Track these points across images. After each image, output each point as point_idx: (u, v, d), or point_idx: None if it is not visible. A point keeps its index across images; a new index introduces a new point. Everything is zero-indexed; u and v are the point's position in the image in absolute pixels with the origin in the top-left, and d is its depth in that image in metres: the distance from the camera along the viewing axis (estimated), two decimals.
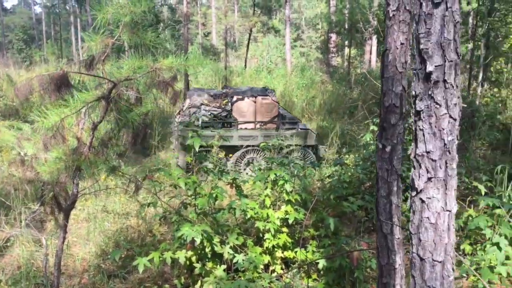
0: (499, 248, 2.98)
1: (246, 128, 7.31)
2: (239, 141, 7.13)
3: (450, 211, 1.32)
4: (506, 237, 3.15)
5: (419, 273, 1.34)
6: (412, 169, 1.35)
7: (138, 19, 3.57)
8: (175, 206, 4.61)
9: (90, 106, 3.45)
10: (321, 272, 3.96)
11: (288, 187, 4.25)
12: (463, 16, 13.20)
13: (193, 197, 4.05)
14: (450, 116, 1.27)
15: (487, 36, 11.17)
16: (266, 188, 4.37)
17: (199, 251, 3.87)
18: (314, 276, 4.09)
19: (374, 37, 17.01)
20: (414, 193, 1.35)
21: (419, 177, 1.32)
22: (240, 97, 7.33)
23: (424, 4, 1.24)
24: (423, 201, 1.33)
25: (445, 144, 1.27)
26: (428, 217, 1.32)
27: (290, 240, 4.20)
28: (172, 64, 3.62)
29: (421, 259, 1.33)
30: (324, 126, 10.62)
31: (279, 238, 4.18)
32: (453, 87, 1.26)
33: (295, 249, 4.23)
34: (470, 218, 4.03)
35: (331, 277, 3.78)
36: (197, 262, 3.85)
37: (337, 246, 4.11)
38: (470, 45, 12.13)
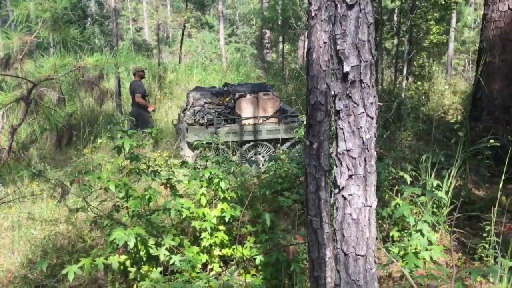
0: (422, 235, 3.17)
1: (249, 124, 7.44)
2: (244, 136, 7.34)
3: (370, 206, 1.37)
4: (428, 224, 3.35)
5: (344, 268, 1.39)
6: (334, 167, 1.39)
7: (60, 15, 3.38)
8: (108, 209, 4.44)
9: (8, 108, 3.22)
10: (259, 268, 3.99)
11: (223, 185, 4.23)
12: (388, 13, 13.83)
13: (125, 199, 3.92)
14: (368, 115, 1.31)
15: (410, 32, 11.79)
16: (201, 187, 4.32)
17: (133, 255, 3.75)
18: (252, 272, 4.12)
19: (306, 33, 17.42)
20: (336, 191, 1.39)
21: (341, 174, 1.36)
22: (242, 93, 7.47)
23: (339, 6, 1.27)
24: (345, 198, 1.37)
25: (363, 142, 1.31)
26: (350, 213, 1.37)
27: (227, 238, 4.19)
28: (98, 62, 3.45)
29: (345, 254, 1.38)
30: None
31: (216, 237, 4.16)
32: (369, 86, 1.30)
33: (233, 247, 4.23)
34: (398, 206, 4.25)
35: (269, 271, 3.82)
36: (132, 266, 3.73)
37: (274, 240, 4.17)
38: (395, 41, 12.78)
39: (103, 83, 3.67)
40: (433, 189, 4.59)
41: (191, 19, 24.90)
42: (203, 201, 4.25)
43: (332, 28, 1.30)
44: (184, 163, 4.75)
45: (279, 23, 17.28)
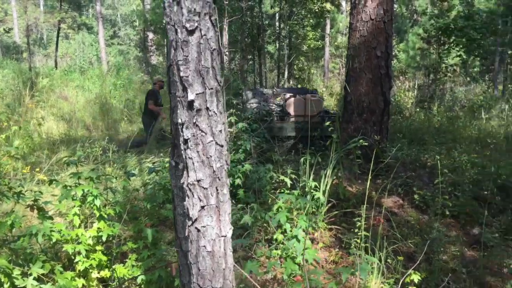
0: (298, 240, 3.28)
1: (297, 121, 8.30)
2: (292, 132, 8.19)
3: (225, 236, 1.34)
4: (306, 226, 3.49)
5: None
6: (186, 198, 1.33)
7: None
8: None
9: None
10: (142, 286, 3.80)
11: (98, 202, 3.95)
12: (268, 19, 14.30)
13: None
14: (217, 143, 1.28)
15: (289, 38, 12.33)
16: (74, 206, 3.98)
17: None
18: None
19: None
20: (189, 223, 1.33)
21: (193, 206, 1.30)
22: (291, 94, 8.50)
23: (179, 31, 1.21)
24: (198, 230, 1.32)
25: (214, 171, 1.27)
26: (204, 246, 1.32)
27: (106, 258, 3.92)
28: None
29: None
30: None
31: (93, 258, 3.86)
32: (216, 114, 1.27)
33: (113, 266, 3.97)
34: (280, 209, 4.38)
35: None
36: None
37: (158, 256, 4.00)
38: (277, 45, 13.29)
39: None
40: (312, 190, 4.82)
41: (68, 19, 23.20)
42: (77, 221, 3.92)
43: (174, 53, 1.23)
44: (52, 181, 4.34)
45: (163, 25, 16.89)
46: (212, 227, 1.30)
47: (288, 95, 8.52)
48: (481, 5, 14.18)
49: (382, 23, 6.17)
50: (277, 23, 13.60)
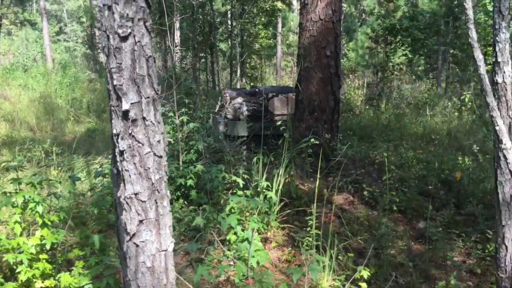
0: (249, 242, 3.27)
1: (280, 120, 8.13)
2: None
3: (166, 250, 1.29)
4: (259, 227, 3.48)
5: None
6: (123, 212, 1.27)
7: None
8: None
9: None
10: None
11: (41, 209, 3.75)
12: (220, 16, 14.19)
13: None
14: (155, 154, 1.23)
15: (241, 36, 12.31)
16: (15, 213, 3.76)
17: None
18: None
19: None
20: (127, 238, 1.27)
21: (131, 220, 1.24)
22: (274, 94, 8.62)
23: (111, 37, 1.14)
24: (137, 245, 1.26)
25: (153, 183, 1.22)
26: (144, 261, 1.26)
27: (50, 267, 3.73)
28: None
29: None
30: (93, 128, 9.98)
31: (36, 268, 3.67)
32: (154, 124, 1.21)
33: (59, 275, 3.79)
34: (233, 210, 4.35)
35: None
36: None
37: (105, 263, 3.86)
38: (229, 44, 13.23)
39: None
40: (264, 190, 4.83)
41: (10, 15, 22.02)
42: (18, 230, 3.71)
43: (107, 61, 1.17)
44: None
45: None
46: (152, 241, 1.25)
47: (270, 94, 8.69)
48: (425, 6, 14.80)
49: (331, 23, 6.27)
50: (229, 21, 13.55)
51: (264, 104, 8.50)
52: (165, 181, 1.24)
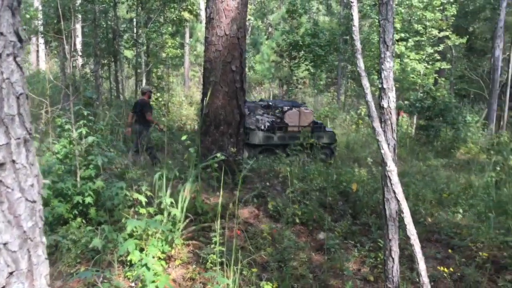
0: (148, 268, 3.16)
1: (293, 131, 9.66)
2: (289, 140, 9.34)
3: None
4: (154, 256, 3.38)
5: None
6: None
7: None
8: None
9: None
10: None
11: None
12: (126, 22, 13.72)
13: None
14: (27, 199, 1.12)
15: (147, 45, 12.01)
16: None
17: None
18: None
19: None
20: None
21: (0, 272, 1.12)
22: (289, 107, 9.86)
23: None
24: None
25: (24, 231, 1.11)
26: None
27: None
28: None
29: None
30: None
31: None
32: (25, 167, 1.11)
33: None
34: (135, 230, 4.17)
35: None
36: None
37: None
38: (135, 51, 12.83)
39: None
40: (168, 207, 4.71)
41: None
42: None
43: None
44: None
45: None
46: None
47: (285, 108, 9.86)
48: (325, 25, 15.72)
49: (236, 39, 6.37)
50: (135, 29, 13.15)
51: (280, 117, 9.76)
52: (40, 228, 1.14)
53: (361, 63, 2.58)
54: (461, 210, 6.13)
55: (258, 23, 19.84)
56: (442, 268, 4.22)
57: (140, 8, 10.78)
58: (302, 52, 12.72)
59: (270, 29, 19.87)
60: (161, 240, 4.25)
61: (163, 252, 4.24)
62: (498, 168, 8.97)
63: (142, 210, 4.53)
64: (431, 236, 5.49)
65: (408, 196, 6.64)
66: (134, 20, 13.06)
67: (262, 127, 9.41)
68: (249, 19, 23.79)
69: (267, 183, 6.45)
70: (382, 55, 2.84)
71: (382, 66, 2.84)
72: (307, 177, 6.68)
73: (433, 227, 5.70)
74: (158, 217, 4.51)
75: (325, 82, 18.19)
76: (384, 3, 2.74)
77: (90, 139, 5.59)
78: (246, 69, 17.41)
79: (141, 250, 3.82)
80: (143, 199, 4.64)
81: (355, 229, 5.30)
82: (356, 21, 2.56)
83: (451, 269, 4.30)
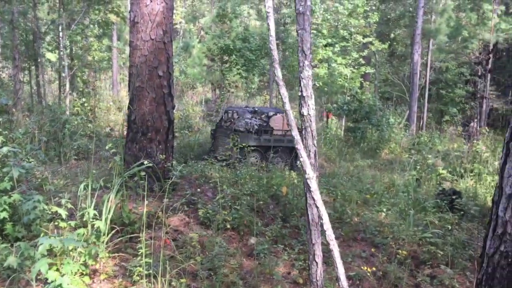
0: None
1: (277, 134, 10.39)
2: (274, 143, 10.13)
3: None
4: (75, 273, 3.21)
5: None
6: None
7: None
8: None
9: None
10: None
11: None
12: (49, 24, 13.01)
13: None
14: None
15: (70, 48, 11.47)
16: None
17: None
18: None
19: None
20: None
21: None
22: (274, 113, 10.59)
23: None
24: None
25: None
26: None
27: None
28: None
29: None
30: None
31: None
32: None
33: None
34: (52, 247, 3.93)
35: None
36: None
37: None
38: (57, 55, 12.18)
39: None
40: (91, 219, 4.49)
41: None
42: None
43: None
44: None
45: None
46: None
47: (270, 112, 10.66)
48: (256, 29, 15.89)
49: (162, 43, 6.23)
50: (58, 31, 12.50)
51: (266, 121, 10.46)
52: None
53: (279, 73, 2.61)
54: (384, 209, 6.43)
55: (190, 26, 19.63)
56: (365, 268, 4.39)
57: (62, 9, 10.24)
58: (233, 56, 12.77)
59: (202, 33, 19.75)
60: (84, 254, 4.05)
61: (86, 267, 4.04)
62: (418, 167, 9.59)
63: (63, 224, 4.29)
64: (357, 235, 5.71)
65: (336, 197, 6.88)
66: (57, 21, 12.41)
67: (251, 130, 10.14)
68: (180, 22, 23.50)
69: (198, 189, 6.37)
70: (301, 64, 2.90)
71: (301, 75, 2.90)
72: (238, 182, 6.69)
73: (359, 227, 5.93)
74: (81, 230, 4.29)
75: (257, 86, 18.41)
76: (301, 13, 2.81)
77: (5, 149, 5.22)
78: (178, 73, 17.13)
79: (58, 268, 3.60)
80: (63, 212, 4.39)
81: (285, 232, 5.38)
82: (272, 31, 2.59)
83: (373, 268, 4.50)
